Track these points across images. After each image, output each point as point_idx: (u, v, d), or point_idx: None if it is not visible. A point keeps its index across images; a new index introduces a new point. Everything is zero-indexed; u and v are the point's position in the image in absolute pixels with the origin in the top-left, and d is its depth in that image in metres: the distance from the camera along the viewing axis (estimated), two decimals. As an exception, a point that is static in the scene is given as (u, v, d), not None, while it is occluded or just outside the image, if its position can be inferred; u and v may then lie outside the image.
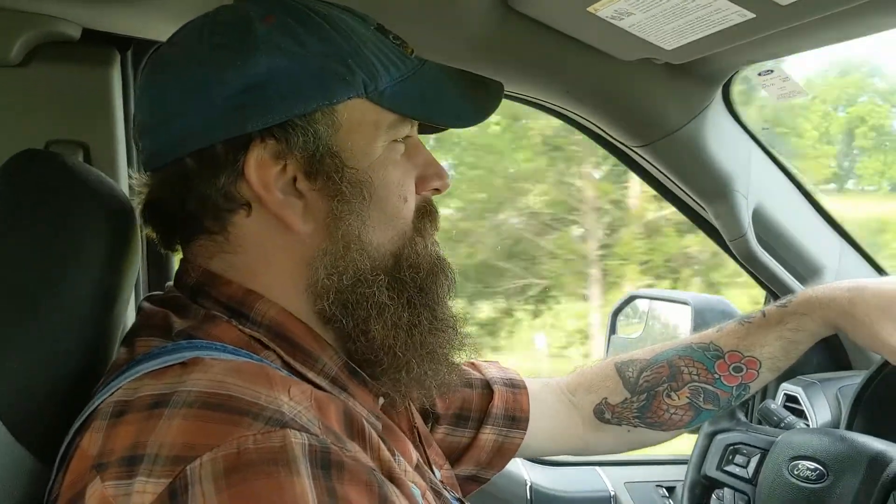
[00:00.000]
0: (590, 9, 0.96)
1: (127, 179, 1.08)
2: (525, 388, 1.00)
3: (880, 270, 1.48)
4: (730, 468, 1.15)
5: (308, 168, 0.66)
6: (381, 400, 0.75)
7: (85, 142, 1.03)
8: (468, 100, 0.75)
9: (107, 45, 1.05)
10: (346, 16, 0.69)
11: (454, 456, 0.95)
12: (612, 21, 0.98)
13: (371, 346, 0.69)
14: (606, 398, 1.01)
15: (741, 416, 1.18)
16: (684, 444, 1.36)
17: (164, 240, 0.73)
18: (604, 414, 1.01)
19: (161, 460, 0.51)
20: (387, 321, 0.69)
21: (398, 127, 0.70)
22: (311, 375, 0.67)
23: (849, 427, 1.16)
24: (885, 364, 1.12)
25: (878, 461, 0.92)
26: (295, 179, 0.66)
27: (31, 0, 0.94)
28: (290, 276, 0.68)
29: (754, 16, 0.90)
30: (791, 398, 1.38)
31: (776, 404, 1.32)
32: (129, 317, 1.03)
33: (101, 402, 0.59)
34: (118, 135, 1.05)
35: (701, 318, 1.53)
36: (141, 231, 0.80)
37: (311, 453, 0.51)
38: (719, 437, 1.17)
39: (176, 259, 1.22)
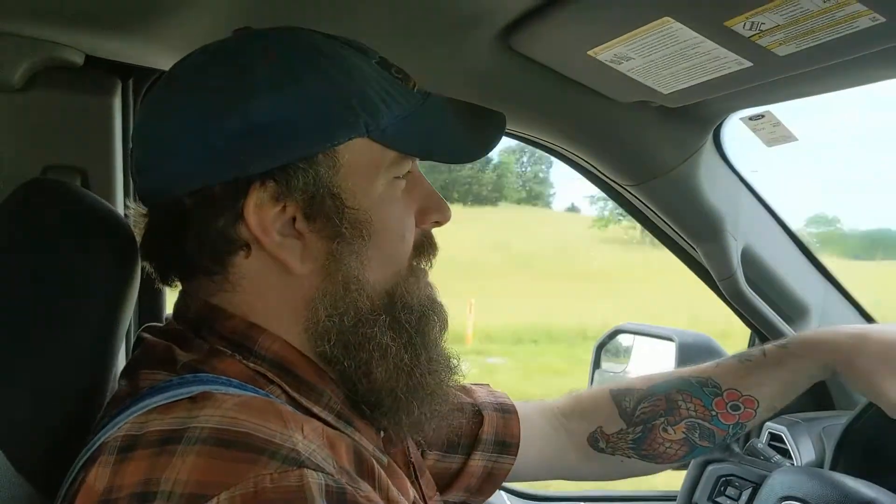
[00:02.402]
0: (590, 52, 0.98)
1: (123, 206, 1.08)
2: (516, 412, 0.99)
3: (862, 311, 1.51)
4: (721, 500, 1.15)
5: (308, 209, 0.65)
6: (382, 434, 0.74)
7: (83, 168, 1.02)
8: (470, 134, 0.75)
9: (109, 72, 1.05)
10: (347, 51, 0.68)
11: (444, 482, 0.94)
12: (611, 64, 1.00)
13: (373, 388, 0.68)
14: (601, 427, 1.00)
15: (735, 447, 1.18)
16: (671, 479, 1.36)
17: (161, 275, 0.72)
18: (598, 443, 1.00)
19: (175, 498, 0.50)
20: (389, 363, 0.68)
21: (399, 164, 0.69)
22: (316, 410, 0.66)
23: (833, 467, 1.17)
24: (870, 405, 1.14)
25: (868, 509, 0.93)
26: (294, 220, 0.65)
27: (35, 26, 0.94)
28: (290, 316, 0.67)
29: (752, 64, 0.92)
30: (775, 437, 1.40)
31: (762, 443, 1.34)
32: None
33: (107, 436, 0.58)
34: (117, 162, 1.05)
35: (685, 355, 1.54)
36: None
37: (327, 494, 0.51)
38: (711, 467, 1.18)
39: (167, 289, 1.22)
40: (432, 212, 0.75)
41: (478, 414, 0.97)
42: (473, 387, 1.02)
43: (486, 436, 0.96)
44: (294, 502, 0.50)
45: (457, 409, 0.94)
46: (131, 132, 0.71)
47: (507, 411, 0.99)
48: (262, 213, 0.64)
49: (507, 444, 0.97)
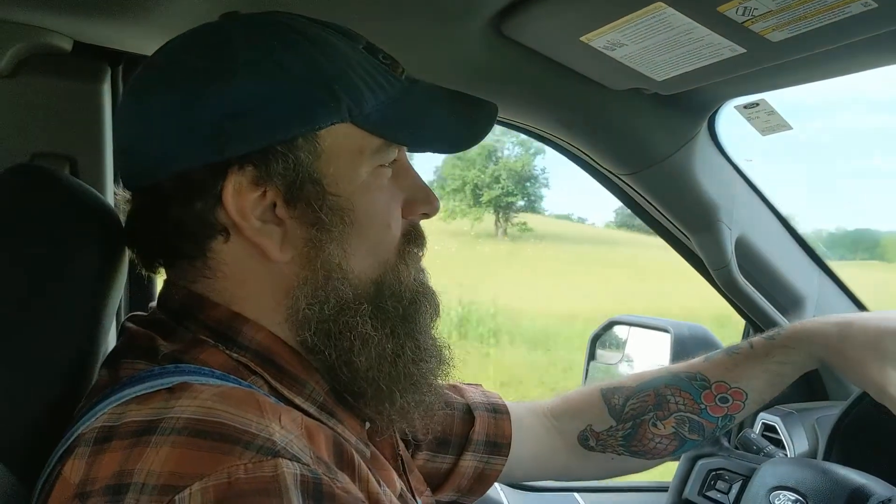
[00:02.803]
0: (583, 38, 0.97)
1: (112, 194, 1.08)
2: (507, 413, 0.99)
3: (857, 302, 1.51)
4: (711, 494, 1.15)
5: (288, 195, 0.64)
6: (367, 425, 0.74)
7: (72, 155, 1.02)
8: (459, 123, 0.73)
9: (98, 59, 1.04)
10: (332, 36, 0.68)
11: (435, 482, 0.94)
12: (604, 51, 1.00)
13: (355, 377, 0.67)
14: (591, 425, 1.00)
15: (724, 441, 1.18)
16: (663, 470, 1.36)
17: (144, 261, 0.72)
18: (588, 441, 1.00)
19: (149, 489, 0.49)
20: (370, 352, 0.67)
21: (384, 151, 0.68)
22: (298, 401, 0.65)
23: (826, 457, 1.18)
24: (863, 396, 1.14)
25: (858, 496, 0.93)
26: (274, 206, 0.65)
27: (22, 11, 0.93)
28: (271, 304, 0.67)
29: (745, 51, 0.91)
30: (769, 427, 1.40)
31: (755, 434, 1.33)
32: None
33: (85, 427, 0.58)
34: (106, 149, 1.04)
35: (680, 346, 1.54)
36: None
37: (302, 484, 0.51)
38: (701, 461, 1.18)
39: (158, 277, 1.22)
40: (420, 203, 0.73)
41: (469, 414, 0.97)
42: (465, 386, 1.01)
43: (478, 436, 0.96)
44: (268, 492, 0.49)
45: (446, 405, 0.94)
46: (114, 116, 0.69)
47: (498, 412, 0.99)
48: (241, 197, 0.63)
49: (498, 445, 0.97)
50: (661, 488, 1.56)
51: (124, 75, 1.11)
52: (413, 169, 0.74)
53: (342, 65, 0.66)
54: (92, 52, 1.03)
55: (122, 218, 0.74)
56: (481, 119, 0.75)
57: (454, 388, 0.99)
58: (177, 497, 0.48)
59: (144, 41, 1.04)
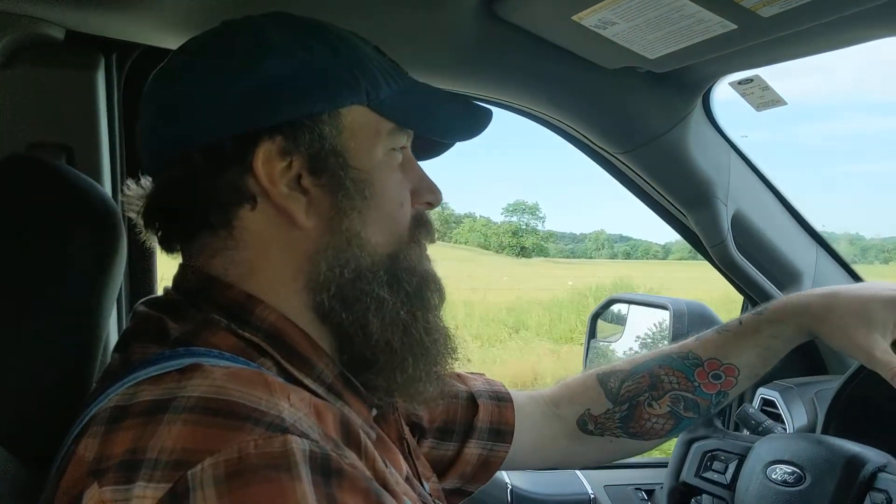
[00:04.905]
0: (574, 17, 0.97)
1: (110, 182, 1.08)
2: (510, 400, 1.01)
3: (855, 276, 1.51)
4: (708, 475, 1.16)
5: (313, 165, 0.68)
6: (374, 411, 0.75)
7: (68, 145, 1.02)
8: (460, 118, 0.78)
9: (91, 48, 1.04)
10: (350, 34, 0.73)
11: (439, 469, 0.95)
12: (596, 30, 1.00)
13: (368, 341, 0.70)
14: (589, 409, 1.02)
15: (718, 423, 1.19)
16: (664, 447, 1.37)
17: (164, 241, 0.74)
18: (587, 425, 1.02)
19: (161, 465, 0.50)
20: (385, 316, 0.70)
21: (396, 136, 0.73)
22: (307, 382, 0.67)
23: (825, 430, 1.18)
24: (861, 369, 1.14)
25: (854, 463, 0.94)
26: (300, 177, 0.68)
27: (14, 1, 0.93)
28: (290, 272, 0.69)
29: (736, 27, 0.91)
30: (768, 402, 1.40)
31: (754, 409, 1.34)
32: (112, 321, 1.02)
33: (98, 408, 0.59)
34: (102, 138, 1.04)
35: (679, 323, 1.54)
36: (126, 235, 0.81)
37: (311, 459, 0.52)
38: (696, 444, 1.19)
39: (158, 263, 1.23)
40: (424, 192, 0.77)
41: (472, 402, 0.98)
42: (468, 375, 1.03)
43: (481, 423, 0.97)
44: (278, 467, 0.50)
45: (450, 394, 0.96)
46: (141, 100, 0.70)
47: (501, 399, 1.00)
48: (270, 165, 0.67)
49: (501, 432, 0.98)
50: (660, 464, 1.58)
51: (118, 64, 1.11)
52: (416, 162, 0.78)
53: (361, 56, 0.72)
54: (85, 41, 1.03)
55: (136, 210, 0.74)
56: (479, 115, 0.79)
57: (458, 376, 1.01)
58: (189, 472, 0.49)
59: (137, 29, 1.05)
